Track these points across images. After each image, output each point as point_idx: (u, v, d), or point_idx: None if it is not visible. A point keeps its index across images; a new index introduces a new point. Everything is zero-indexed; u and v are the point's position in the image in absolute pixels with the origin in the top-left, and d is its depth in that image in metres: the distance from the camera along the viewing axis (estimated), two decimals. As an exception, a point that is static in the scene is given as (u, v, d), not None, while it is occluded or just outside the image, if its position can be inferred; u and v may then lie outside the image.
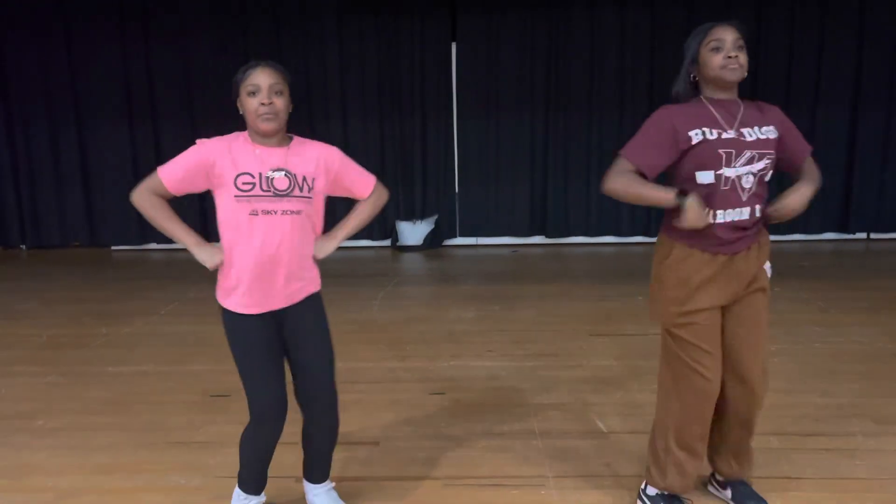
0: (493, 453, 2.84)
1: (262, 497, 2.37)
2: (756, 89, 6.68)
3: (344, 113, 7.29)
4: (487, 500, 2.50)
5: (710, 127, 2.10)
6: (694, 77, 2.19)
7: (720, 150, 2.08)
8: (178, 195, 2.16)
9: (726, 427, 2.32)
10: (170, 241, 7.65)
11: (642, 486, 2.43)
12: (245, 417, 2.21)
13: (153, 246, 7.69)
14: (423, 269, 6.59)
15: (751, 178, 2.12)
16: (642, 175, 2.15)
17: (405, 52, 7.19)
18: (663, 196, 2.09)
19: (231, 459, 2.75)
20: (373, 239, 7.55)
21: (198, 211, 7.20)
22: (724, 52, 2.08)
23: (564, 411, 3.23)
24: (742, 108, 2.16)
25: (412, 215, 7.46)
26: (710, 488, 2.50)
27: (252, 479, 2.31)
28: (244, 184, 2.08)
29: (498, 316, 4.82)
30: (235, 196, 2.08)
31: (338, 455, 2.47)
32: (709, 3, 6.84)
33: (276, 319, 2.18)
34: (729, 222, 2.12)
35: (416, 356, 4.03)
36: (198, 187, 2.15)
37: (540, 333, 4.39)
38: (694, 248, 2.16)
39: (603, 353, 4.00)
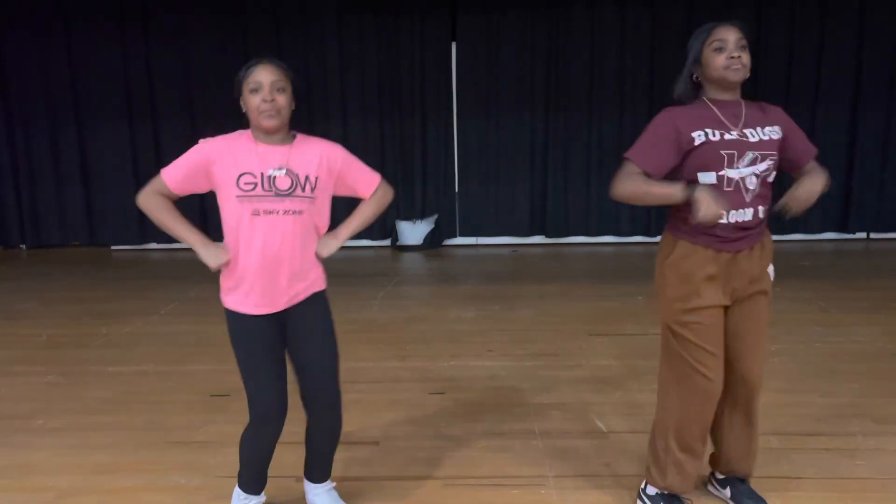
0: (493, 453, 2.84)
1: (263, 497, 2.37)
2: (756, 89, 6.68)
3: (344, 113, 7.30)
4: (487, 500, 2.50)
5: (713, 128, 2.10)
6: (696, 77, 2.18)
7: (722, 152, 2.08)
8: (181, 195, 2.16)
9: (730, 424, 2.32)
10: (170, 240, 7.74)
11: (642, 486, 2.43)
12: (245, 417, 2.21)
13: (153, 246, 7.69)
14: (423, 269, 6.59)
15: (754, 179, 2.11)
16: (648, 177, 2.15)
17: (405, 52, 7.20)
18: (673, 191, 2.06)
19: (231, 459, 2.75)
20: (373, 239, 7.55)
21: (197, 211, 7.21)
22: (727, 53, 2.07)
23: (564, 411, 3.23)
24: (744, 109, 2.15)
25: (412, 215, 7.47)
26: (710, 487, 2.50)
27: (252, 479, 2.32)
28: (246, 184, 2.07)
29: (498, 316, 4.82)
30: (237, 196, 2.07)
31: (338, 455, 2.47)
32: (709, 3, 6.84)
33: (279, 319, 2.18)
34: (733, 223, 2.12)
35: (416, 356, 4.03)
36: (200, 187, 2.15)
37: (540, 333, 4.39)
38: (697, 245, 2.16)
39: (602, 353, 4.00)
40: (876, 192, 7.18)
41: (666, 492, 2.35)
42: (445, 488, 2.59)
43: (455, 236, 7.59)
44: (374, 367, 3.84)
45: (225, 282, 2.17)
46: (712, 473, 2.49)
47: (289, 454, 2.68)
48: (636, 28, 7.05)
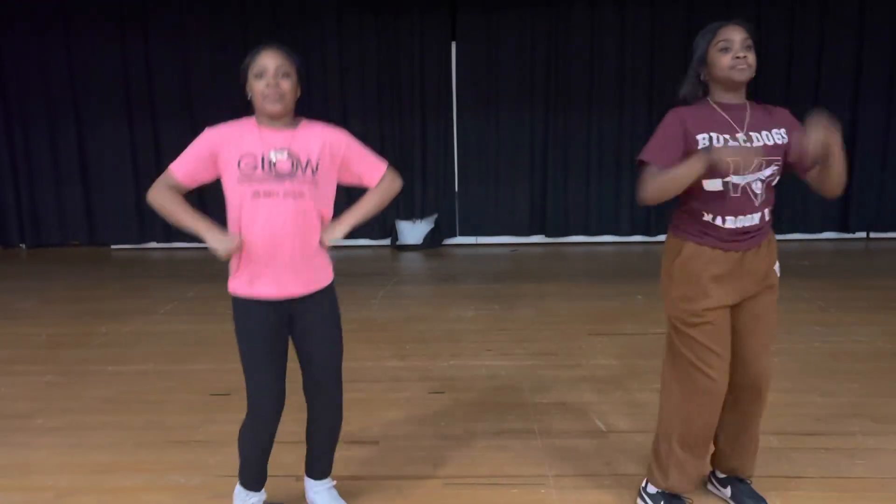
0: (493, 452, 2.84)
1: (263, 494, 2.37)
2: (756, 89, 6.62)
3: (344, 112, 7.29)
4: (487, 500, 2.51)
5: (719, 132, 2.09)
6: (702, 77, 2.17)
7: (728, 158, 2.08)
8: (191, 186, 2.17)
9: (732, 423, 2.32)
10: (170, 240, 7.73)
11: (643, 485, 2.43)
12: (244, 416, 2.22)
13: (153, 245, 7.69)
14: (422, 269, 6.59)
15: (759, 184, 2.11)
16: None
17: (405, 52, 7.19)
18: (692, 164, 2.02)
19: (231, 458, 2.75)
20: (372, 238, 7.55)
21: (197, 207, 7.20)
22: (732, 53, 2.07)
23: (564, 410, 3.23)
24: (749, 111, 2.14)
25: (412, 214, 7.46)
26: (710, 487, 2.50)
27: (251, 475, 2.31)
28: (246, 165, 2.08)
29: (497, 315, 4.82)
30: (238, 178, 2.08)
31: (338, 454, 2.47)
32: (709, 3, 6.83)
33: (287, 309, 2.16)
34: (739, 227, 2.12)
35: (416, 355, 4.03)
36: (209, 175, 2.16)
37: (539, 333, 4.39)
38: (703, 245, 2.16)
39: (602, 353, 4.00)
40: (876, 192, 7.17)
41: (667, 491, 2.35)
42: (445, 488, 2.59)
43: (455, 236, 7.59)
44: (373, 367, 3.84)
45: (232, 267, 2.17)
46: (713, 472, 2.49)
47: (288, 454, 2.68)
48: (636, 28, 7.04)
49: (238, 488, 2.36)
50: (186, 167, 2.15)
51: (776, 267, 2.24)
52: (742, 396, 2.27)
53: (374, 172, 2.28)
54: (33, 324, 4.82)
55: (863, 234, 7.39)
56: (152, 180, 2.19)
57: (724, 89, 2.14)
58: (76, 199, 7.57)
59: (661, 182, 2.06)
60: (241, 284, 2.14)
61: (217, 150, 2.11)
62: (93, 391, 3.57)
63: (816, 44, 6.96)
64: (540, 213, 7.45)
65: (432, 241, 7.41)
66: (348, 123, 7.30)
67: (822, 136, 1.95)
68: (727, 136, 2.08)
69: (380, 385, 3.58)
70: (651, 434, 2.87)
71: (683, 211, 2.21)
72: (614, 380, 3.58)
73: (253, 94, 2.10)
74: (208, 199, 7.19)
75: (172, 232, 7.55)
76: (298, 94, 2.15)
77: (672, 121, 2.14)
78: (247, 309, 2.14)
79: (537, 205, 7.43)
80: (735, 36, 2.07)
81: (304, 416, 2.37)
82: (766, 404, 2.31)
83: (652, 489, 2.38)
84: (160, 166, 2.18)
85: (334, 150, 2.19)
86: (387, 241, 7.59)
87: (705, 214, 2.14)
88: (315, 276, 2.19)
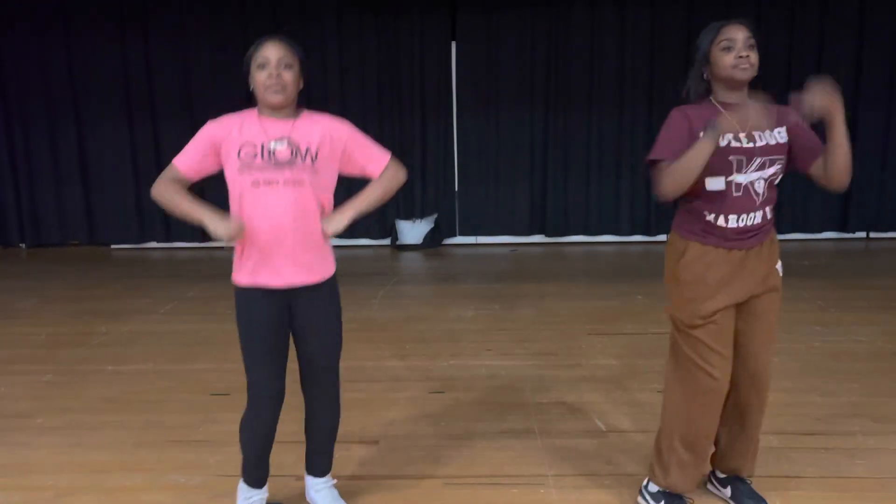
0: (493, 452, 2.84)
1: (265, 492, 2.37)
2: (756, 89, 6.68)
3: (344, 112, 7.24)
4: (487, 499, 2.50)
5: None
6: (706, 76, 2.17)
7: (731, 157, 2.08)
8: (195, 179, 2.17)
9: (732, 422, 2.32)
10: (170, 239, 7.72)
11: (644, 483, 2.43)
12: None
13: (153, 245, 7.69)
14: (422, 268, 6.59)
15: (762, 183, 2.12)
16: None
17: (405, 52, 7.19)
18: (701, 143, 2.00)
19: (231, 458, 2.75)
20: (372, 238, 7.55)
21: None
22: (735, 52, 2.06)
23: (564, 410, 3.23)
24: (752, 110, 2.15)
25: (412, 214, 7.46)
26: (710, 487, 2.50)
27: (252, 470, 2.31)
28: (246, 154, 2.08)
29: (497, 315, 4.82)
30: (238, 168, 2.09)
31: (338, 454, 2.47)
32: (709, 3, 6.83)
33: (287, 300, 2.16)
34: (742, 227, 2.12)
35: (416, 355, 4.03)
36: (212, 166, 2.16)
37: (539, 332, 4.39)
38: (707, 245, 2.16)
39: (602, 352, 4.00)
40: (876, 192, 7.17)
41: (667, 490, 2.35)
42: (445, 487, 2.59)
43: (455, 235, 7.59)
44: (373, 367, 3.84)
45: (235, 257, 2.17)
46: (712, 472, 2.49)
47: (288, 454, 2.68)
48: (636, 28, 7.04)
49: (241, 485, 2.36)
50: (189, 160, 2.16)
51: (778, 266, 2.24)
52: (742, 396, 2.27)
53: (377, 163, 2.26)
54: (33, 323, 4.82)
55: (863, 234, 7.39)
56: (152, 180, 2.20)
57: (726, 88, 2.14)
58: (76, 199, 7.56)
59: (675, 171, 2.04)
60: (244, 274, 2.15)
61: (219, 141, 2.12)
62: (92, 391, 3.57)
63: (816, 44, 6.96)
64: (540, 212, 7.45)
65: (432, 240, 7.41)
66: (348, 123, 7.29)
67: (823, 97, 1.94)
68: (730, 135, 2.09)
69: (380, 385, 3.58)
70: (651, 434, 2.88)
71: (686, 211, 2.21)
72: (614, 380, 3.58)
73: (255, 84, 2.11)
74: (208, 199, 7.26)
75: (172, 232, 7.56)
76: (301, 85, 2.16)
77: (677, 117, 2.14)
78: (249, 298, 2.15)
79: (537, 205, 7.43)
80: (738, 35, 2.07)
81: (304, 415, 2.38)
82: (766, 404, 2.31)
83: (653, 488, 2.39)
84: (160, 166, 2.19)
85: (335, 139, 2.19)
86: (387, 241, 7.59)
87: (708, 214, 2.14)
88: (317, 265, 2.18)
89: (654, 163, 2.14)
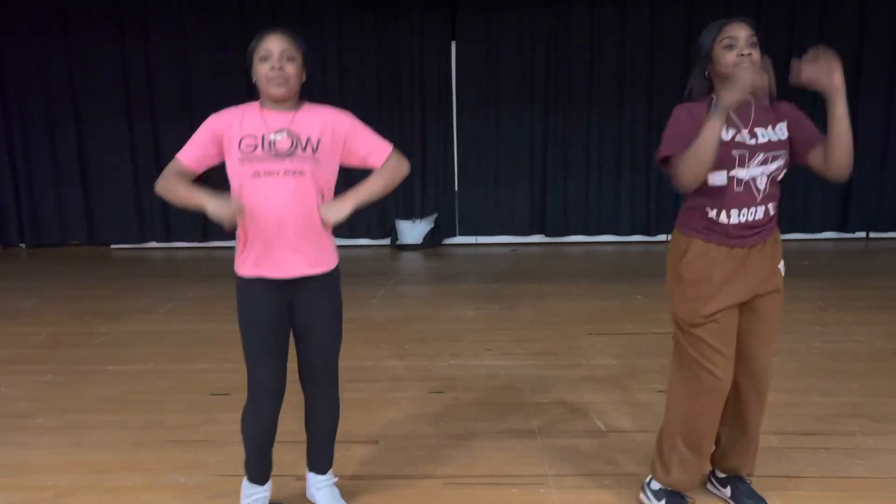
0: (493, 452, 2.84)
1: (267, 489, 2.36)
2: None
3: (343, 112, 7.29)
4: (487, 499, 2.50)
5: (725, 127, 2.09)
6: (708, 74, 2.17)
7: (734, 152, 2.08)
8: (198, 171, 2.17)
9: (732, 422, 2.33)
10: (170, 239, 7.71)
11: (647, 480, 2.44)
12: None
13: (153, 245, 7.68)
14: (422, 268, 6.59)
15: (764, 178, 2.12)
16: None
17: (405, 52, 7.19)
18: (710, 122, 1.98)
19: (231, 458, 2.76)
20: (372, 238, 7.55)
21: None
22: (737, 50, 2.06)
23: (564, 410, 3.23)
24: (754, 107, 2.15)
25: (412, 214, 7.46)
26: (710, 486, 2.50)
27: (253, 465, 2.31)
28: (247, 145, 2.09)
29: (497, 315, 4.82)
30: (239, 159, 2.09)
31: (338, 454, 2.47)
32: (709, 3, 6.83)
33: (289, 293, 2.16)
34: (743, 222, 2.12)
35: (416, 355, 4.02)
36: (214, 158, 2.17)
37: (539, 332, 4.39)
38: (710, 242, 2.16)
39: (602, 352, 4.00)
40: (875, 192, 7.17)
41: (669, 488, 2.36)
42: (445, 487, 2.59)
43: (454, 235, 7.59)
44: (373, 367, 3.84)
45: (237, 250, 2.17)
46: (712, 472, 2.49)
47: (288, 453, 2.68)
48: (636, 28, 7.04)
49: (244, 482, 2.36)
50: (192, 153, 2.17)
51: (781, 266, 2.24)
52: (742, 395, 2.27)
53: (378, 154, 2.25)
54: (33, 323, 4.82)
55: (863, 234, 7.39)
56: (152, 180, 2.20)
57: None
58: (76, 199, 7.56)
59: (690, 156, 2.01)
60: (246, 266, 2.15)
61: (220, 133, 2.13)
62: (92, 390, 3.57)
63: (816, 44, 6.89)
64: (540, 212, 7.45)
65: (432, 240, 7.41)
66: (348, 123, 7.29)
67: (823, 64, 1.95)
68: (733, 132, 2.09)
69: (380, 385, 3.58)
70: (651, 433, 2.88)
71: (689, 208, 2.21)
72: (614, 379, 3.58)
73: (257, 77, 2.12)
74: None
75: (172, 231, 7.57)
76: (304, 78, 2.16)
77: (680, 113, 2.14)
78: (250, 289, 2.15)
79: (537, 204, 7.43)
80: (740, 33, 2.07)
81: (303, 415, 2.38)
82: (766, 403, 2.31)
83: (655, 485, 2.39)
84: (160, 166, 2.19)
85: (336, 129, 2.18)
86: (386, 241, 7.59)
87: (710, 210, 2.14)
88: (319, 256, 2.17)
89: (665, 161, 2.14)
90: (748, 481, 2.44)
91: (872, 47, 6.92)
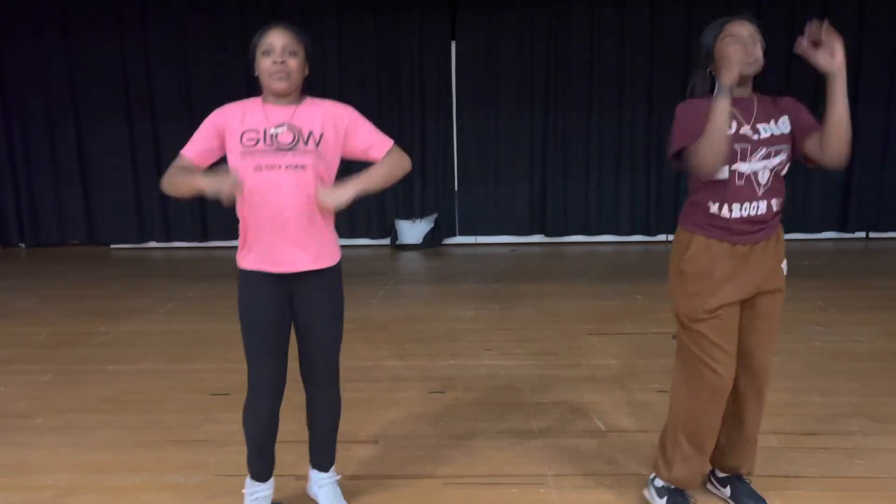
0: (493, 452, 2.84)
1: (270, 487, 2.36)
2: (757, 88, 6.67)
3: (343, 112, 7.28)
4: (487, 499, 2.50)
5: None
6: (710, 72, 2.17)
7: (736, 146, 2.08)
8: (203, 165, 2.17)
9: (732, 421, 2.33)
10: (169, 239, 7.71)
11: (651, 477, 2.45)
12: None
13: (152, 244, 7.68)
14: (422, 268, 6.59)
15: (767, 173, 2.12)
16: None
17: (405, 51, 7.19)
18: (717, 103, 1.98)
19: (231, 458, 2.75)
20: (372, 238, 7.55)
21: (198, 211, 7.22)
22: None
23: (564, 410, 3.23)
24: (757, 103, 2.15)
25: (411, 214, 7.46)
26: (710, 486, 2.50)
27: (254, 461, 2.30)
28: (249, 140, 2.09)
29: (497, 315, 4.82)
30: (241, 153, 2.09)
31: (338, 454, 2.47)
32: (709, 3, 6.83)
33: (290, 287, 2.16)
34: (745, 217, 2.12)
35: (416, 355, 4.02)
36: (217, 151, 2.17)
37: (539, 332, 4.39)
38: (712, 239, 2.16)
39: (602, 352, 4.00)
40: (875, 192, 7.18)
41: (672, 485, 2.36)
42: (445, 487, 2.59)
43: (454, 235, 7.59)
44: (373, 366, 3.84)
45: (239, 245, 2.17)
46: (712, 472, 2.49)
47: (289, 453, 2.68)
48: (636, 28, 7.04)
49: (247, 480, 2.36)
50: (195, 147, 2.17)
51: (783, 265, 2.24)
52: (741, 394, 2.28)
53: (379, 147, 2.25)
54: (33, 323, 4.82)
55: (863, 234, 7.39)
56: (152, 180, 2.21)
57: None
58: (75, 199, 7.56)
59: (705, 144, 2.00)
60: (248, 259, 2.15)
61: (223, 127, 2.14)
62: (92, 390, 3.57)
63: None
64: (539, 212, 7.45)
65: (432, 240, 7.41)
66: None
67: (825, 44, 1.96)
68: (736, 127, 2.09)
69: (380, 385, 3.58)
70: (651, 433, 2.89)
71: (691, 203, 2.22)
72: (614, 379, 3.58)
73: (260, 71, 2.12)
74: (208, 208, 7.31)
75: (172, 231, 7.56)
76: (306, 73, 2.16)
77: (685, 109, 2.15)
78: (252, 283, 2.15)
79: (537, 204, 7.43)
80: (742, 31, 2.07)
81: (304, 415, 2.38)
82: (766, 402, 2.31)
83: (659, 482, 2.40)
84: (160, 166, 2.19)
85: (338, 123, 2.19)
86: (386, 241, 7.59)
87: (711, 205, 2.14)
88: (321, 251, 2.17)
89: (677, 156, 2.14)
90: (748, 481, 2.44)
91: (872, 47, 6.92)
